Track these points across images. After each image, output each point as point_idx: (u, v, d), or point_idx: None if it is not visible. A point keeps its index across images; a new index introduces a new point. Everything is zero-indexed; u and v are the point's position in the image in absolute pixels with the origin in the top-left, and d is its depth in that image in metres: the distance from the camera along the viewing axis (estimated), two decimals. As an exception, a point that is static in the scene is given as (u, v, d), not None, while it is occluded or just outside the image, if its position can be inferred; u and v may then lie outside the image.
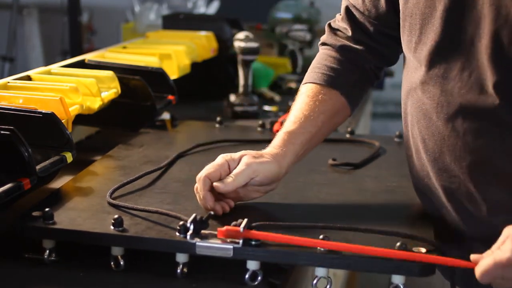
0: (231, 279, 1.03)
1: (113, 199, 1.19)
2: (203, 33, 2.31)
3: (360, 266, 1.02)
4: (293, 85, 2.62)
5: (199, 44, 2.17)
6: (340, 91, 1.27)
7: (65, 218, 1.10)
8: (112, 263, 1.06)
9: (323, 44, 1.34)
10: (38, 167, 1.15)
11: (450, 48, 1.08)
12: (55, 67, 1.64)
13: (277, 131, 1.70)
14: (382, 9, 1.25)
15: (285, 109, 2.21)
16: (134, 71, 1.72)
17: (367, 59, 1.30)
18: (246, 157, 1.16)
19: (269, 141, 1.67)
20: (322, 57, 1.32)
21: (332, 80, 1.27)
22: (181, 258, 1.04)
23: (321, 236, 1.01)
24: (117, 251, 1.06)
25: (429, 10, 1.10)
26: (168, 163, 1.43)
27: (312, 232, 1.04)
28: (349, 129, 1.75)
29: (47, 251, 1.07)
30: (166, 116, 1.82)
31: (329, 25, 1.34)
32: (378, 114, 4.41)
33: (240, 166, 1.15)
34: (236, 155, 1.17)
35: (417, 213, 1.21)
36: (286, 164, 1.20)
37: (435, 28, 1.09)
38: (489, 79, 1.03)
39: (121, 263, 1.05)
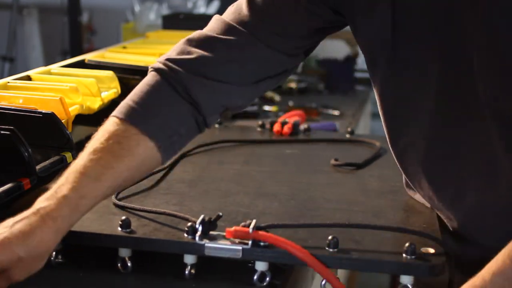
0: (238, 280, 1.03)
1: (119, 200, 1.18)
2: (203, 33, 2.30)
3: (369, 267, 1.02)
4: (293, 85, 2.62)
5: (199, 44, 2.16)
6: (160, 146, 1.04)
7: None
8: (119, 264, 1.05)
9: (157, 69, 1.10)
10: (38, 167, 1.15)
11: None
12: (55, 67, 1.64)
13: (277, 131, 1.72)
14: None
15: (285, 109, 2.21)
16: (134, 71, 1.71)
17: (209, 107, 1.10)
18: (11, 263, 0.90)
19: (269, 141, 1.68)
20: (157, 93, 1.07)
21: (159, 132, 1.04)
22: (189, 259, 1.03)
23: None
24: (124, 252, 1.05)
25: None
26: (171, 163, 1.42)
27: (321, 231, 1.05)
28: (349, 129, 1.75)
29: (54, 253, 1.06)
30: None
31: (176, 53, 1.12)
32: (378, 114, 4.40)
33: (5, 278, 0.91)
34: (3, 261, 0.89)
35: (422, 212, 1.21)
36: (54, 242, 0.93)
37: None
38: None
39: (129, 264, 1.05)
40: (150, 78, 1.10)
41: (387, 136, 1.16)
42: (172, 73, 1.09)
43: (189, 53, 1.12)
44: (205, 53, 1.11)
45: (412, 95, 1.09)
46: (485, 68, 0.99)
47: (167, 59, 1.11)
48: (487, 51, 0.99)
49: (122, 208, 1.15)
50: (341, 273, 1.89)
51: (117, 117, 1.03)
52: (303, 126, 1.74)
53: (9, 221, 0.92)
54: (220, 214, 1.07)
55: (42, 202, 0.94)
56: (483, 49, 0.99)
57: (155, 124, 1.04)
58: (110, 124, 1.03)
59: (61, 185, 0.96)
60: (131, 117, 1.03)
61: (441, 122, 1.07)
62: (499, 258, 0.94)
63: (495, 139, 1.02)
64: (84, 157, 0.99)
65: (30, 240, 0.90)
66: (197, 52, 1.12)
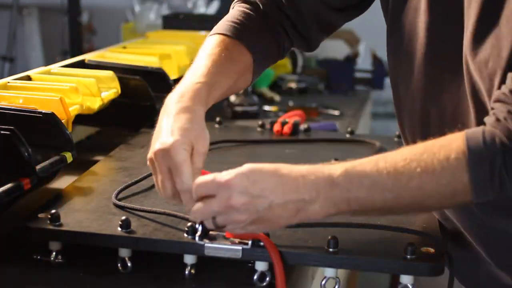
0: (238, 280, 1.03)
1: (118, 200, 1.18)
2: (203, 33, 2.30)
3: (369, 267, 1.02)
4: (293, 85, 2.62)
5: (199, 44, 2.15)
6: (254, 59, 1.18)
7: (72, 219, 1.09)
8: (119, 264, 1.05)
9: (246, 1, 1.23)
10: (38, 167, 1.15)
11: (436, 59, 1.06)
12: (55, 67, 1.64)
13: (278, 131, 1.72)
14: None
15: (285, 109, 2.21)
16: (134, 71, 1.72)
17: (290, 39, 1.24)
18: (197, 138, 1.03)
19: (269, 141, 1.68)
20: (244, 15, 1.20)
21: (254, 46, 1.18)
22: (189, 259, 1.03)
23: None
24: (124, 252, 1.05)
25: (416, 21, 1.08)
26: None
27: (321, 231, 1.05)
28: (349, 129, 1.75)
29: (54, 253, 1.06)
30: (166, 116, 1.82)
31: None
32: (378, 114, 4.40)
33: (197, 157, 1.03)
34: (189, 140, 1.01)
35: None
36: (204, 114, 1.07)
37: (421, 40, 1.07)
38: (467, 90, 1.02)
39: (129, 264, 1.05)
40: (239, 7, 1.23)
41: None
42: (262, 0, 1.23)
43: None
44: None
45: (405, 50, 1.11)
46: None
47: None
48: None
49: (122, 208, 1.15)
50: (341, 273, 1.90)
51: (220, 33, 1.17)
52: (303, 126, 1.74)
53: (157, 130, 1.03)
54: None
55: (176, 91, 1.07)
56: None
57: (252, 41, 1.18)
58: (213, 39, 1.18)
59: (187, 78, 1.09)
60: (233, 33, 1.17)
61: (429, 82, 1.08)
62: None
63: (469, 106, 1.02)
64: (201, 58, 1.14)
65: (188, 115, 1.02)
66: None
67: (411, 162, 0.90)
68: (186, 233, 1.03)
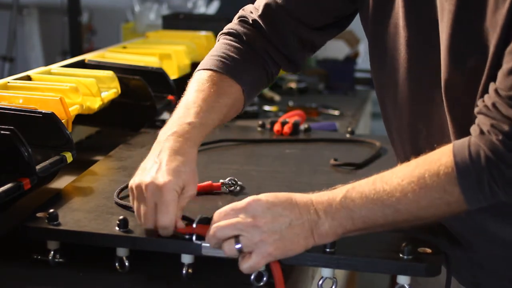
0: (235, 280, 1.03)
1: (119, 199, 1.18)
2: (203, 33, 2.30)
3: (366, 267, 1.02)
4: (293, 85, 2.62)
5: (199, 44, 2.17)
6: (244, 89, 1.21)
7: (70, 219, 1.10)
8: (117, 264, 1.05)
9: (230, 34, 1.26)
10: (38, 167, 1.15)
11: (419, 73, 1.07)
12: (55, 67, 1.64)
13: (278, 131, 1.72)
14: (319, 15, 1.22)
15: (285, 109, 2.21)
16: (134, 71, 1.72)
17: (276, 64, 1.26)
18: (189, 182, 1.06)
19: (269, 141, 1.68)
20: (229, 48, 1.23)
21: (242, 77, 1.21)
22: (186, 259, 1.03)
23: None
24: (122, 252, 1.05)
25: (397, 37, 1.09)
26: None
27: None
28: (349, 129, 1.75)
29: (52, 252, 1.06)
30: (166, 116, 1.82)
31: (241, 16, 1.27)
32: (378, 114, 4.40)
33: (183, 198, 1.06)
34: (179, 182, 1.04)
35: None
36: (195, 156, 1.10)
37: (403, 55, 1.08)
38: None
39: (126, 264, 1.05)
40: (224, 39, 1.26)
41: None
42: (245, 30, 1.25)
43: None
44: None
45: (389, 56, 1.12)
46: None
47: (240, 20, 1.27)
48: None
49: (123, 207, 1.15)
50: (340, 274, 1.90)
51: (209, 69, 1.20)
52: (303, 126, 1.74)
53: (152, 158, 1.07)
54: None
55: (166, 132, 1.10)
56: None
57: (240, 73, 1.21)
58: (202, 74, 1.20)
59: (179, 117, 1.12)
60: (220, 68, 1.20)
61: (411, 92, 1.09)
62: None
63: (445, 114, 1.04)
64: (191, 95, 1.16)
65: (182, 158, 1.06)
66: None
67: (405, 179, 0.96)
68: (118, 226, 1.04)
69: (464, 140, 0.94)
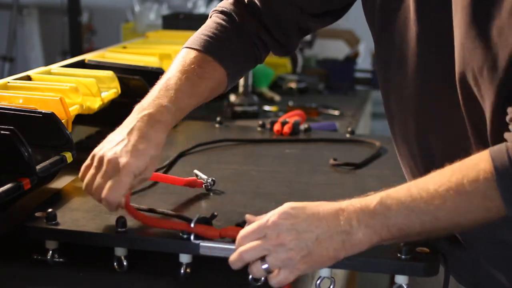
0: (233, 279, 1.03)
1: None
2: (203, 33, 2.30)
3: (364, 267, 1.02)
4: (293, 85, 2.62)
5: (199, 44, 2.16)
6: (228, 73, 1.20)
7: (68, 219, 1.10)
8: (115, 263, 1.05)
9: (222, 12, 1.24)
10: (38, 167, 1.15)
11: (428, 69, 1.06)
12: (55, 67, 1.64)
13: (278, 131, 1.72)
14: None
15: (285, 109, 2.21)
16: (134, 71, 1.72)
17: (266, 48, 1.26)
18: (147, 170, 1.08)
19: (269, 141, 1.68)
20: (218, 27, 1.22)
21: (228, 60, 1.20)
22: (185, 258, 1.04)
23: None
24: (120, 251, 1.05)
25: (406, 31, 1.08)
26: (170, 163, 1.42)
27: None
28: (349, 129, 1.75)
29: (50, 252, 1.06)
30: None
31: None
32: (378, 114, 4.40)
33: (140, 179, 1.08)
34: (141, 166, 1.06)
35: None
36: (164, 140, 1.11)
37: (412, 50, 1.07)
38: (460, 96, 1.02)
39: (124, 263, 1.05)
40: (215, 17, 1.25)
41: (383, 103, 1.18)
42: (238, 11, 1.24)
43: None
44: None
45: (396, 56, 1.11)
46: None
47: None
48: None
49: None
50: (340, 273, 1.90)
51: (194, 48, 1.19)
52: (303, 126, 1.74)
53: (121, 133, 1.10)
54: (215, 213, 1.07)
55: (142, 111, 1.11)
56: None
57: (226, 56, 1.20)
58: (188, 53, 1.19)
59: (157, 97, 1.12)
60: (207, 48, 1.19)
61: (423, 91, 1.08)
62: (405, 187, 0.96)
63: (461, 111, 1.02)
64: (173, 75, 1.15)
65: (151, 141, 1.07)
66: None
67: (442, 185, 0.94)
68: (182, 232, 1.04)
69: (501, 145, 0.93)
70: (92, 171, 1.08)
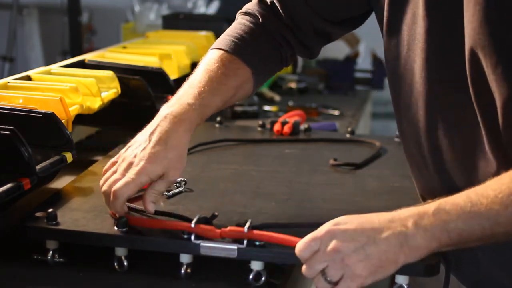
0: (234, 279, 1.03)
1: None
2: (203, 33, 2.31)
3: None
4: (293, 85, 2.62)
5: (199, 44, 2.17)
6: (253, 72, 1.21)
7: (69, 218, 1.10)
8: (115, 263, 1.05)
9: (247, 13, 1.27)
10: (38, 167, 1.15)
11: (438, 64, 1.06)
12: (55, 67, 1.64)
13: (278, 131, 1.72)
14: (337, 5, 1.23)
15: (285, 109, 2.21)
16: (134, 71, 1.72)
17: (291, 48, 1.26)
18: (169, 168, 1.09)
19: (269, 142, 1.68)
20: (244, 28, 1.24)
21: (253, 59, 1.21)
22: (185, 258, 1.04)
23: None
24: (120, 251, 1.05)
25: (415, 27, 1.08)
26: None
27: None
28: (349, 129, 1.75)
29: (51, 252, 1.06)
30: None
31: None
32: (378, 114, 4.40)
33: (164, 182, 1.09)
34: (158, 170, 1.08)
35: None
36: (187, 140, 1.12)
37: (421, 45, 1.07)
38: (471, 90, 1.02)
39: (125, 263, 1.05)
40: (240, 19, 1.27)
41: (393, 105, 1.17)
42: (262, 11, 1.26)
43: None
44: None
45: (406, 55, 1.11)
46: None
47: (259, 0, 1.27)
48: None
49: (129, 208, 1.15)
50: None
51: (219, 49, 1.21)
52: (303, 126, 1.74)
53: (144, 135, 1.12)
54: (216, 213, 1.07)
55: (168, 109, 1.12)
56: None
57: (251, 54, 1.22)
58: (213, 53, 1.22)
59: (182, 96, 1.14)
60: (231, 48, 1.21)
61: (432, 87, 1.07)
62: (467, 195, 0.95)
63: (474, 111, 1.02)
64: (197, 75, 1.18)
65: (170, 144, 1.09)
66: None
67: (502, 192, 0.93)
68: (182, 233, 1.03)
69: None
70: (113, 169, 1.11)
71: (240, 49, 1.21)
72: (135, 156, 1.09)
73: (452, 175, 1.08)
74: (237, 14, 1.29)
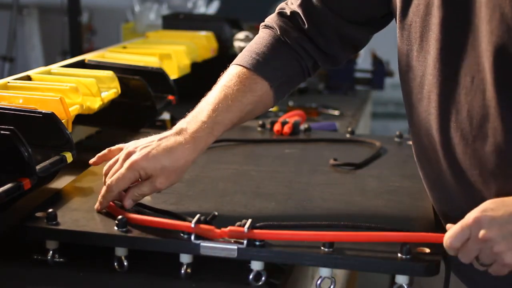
0: (234, 279, 1.03)
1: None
2: (203, 33, 2.31)
3: (365, 267, 1.02)
4: (293, 85, 2.61)
5: (199, 44, 2.17)
6: (271, 85, 1.23)
7: (69, 219, 1.10)
8: (115, 263, 1.05)
9: (267, 26, 1.28)
10: (38, 167, 1.15)
11: (451, 55, 1.06)
12: (55, 67, 1.64)
13: (278, 131, 1.72)
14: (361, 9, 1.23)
15: (285, 109, 2.21)
16: (134, 71, 1.72)
17: (311, 58, 1.27)
18: (158, 171, 1.12)
19: (269, 142, 1.68)
20: (266, 43, 1.26)
21: (269, 72, 1.23)
22: (185, 258, 1.04)
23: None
24: (120, 251, 1.05)
25: (429, 17, 1.08)
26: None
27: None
28: (349, 129, 1.75)
29: (51, 252, 1.06)
30: (166, 116, 1.82)
31: (280, 8, 1.29)
32: (378, 114, 4.41)
33: (150, 185, 1.13)
34: (147, 161, 1.11)
35: (419, 213, 1.21)
36: (194, 160, 1.16)
37: (435, 36, 1.07)
38: (490, 82, 1.02)
39: (125, 263, 1.05)
40: (261, 32, 1.29)
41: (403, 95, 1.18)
42: (281, 23, 1.27)
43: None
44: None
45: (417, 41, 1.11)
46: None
47: (278, 13, 1.29)
48: None
49: (121, 207, 1.15)
50: (340, 273, 1.90)
51: (239, 65, 1.23)
52: (303, 126, 1.74)
53: (155, 137, 1.15)
54: (215, 213, 1.07)
55: (184, 124, 1.16)
56: None
57: (269, 69, 1.23)
58: (231, 69, 1.24)
59: (198, 113, 1.18)
60: (248, 62, 1.23)
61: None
62: None
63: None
64: (214, 91, 1.21)
65: (173, 154, 1.12)
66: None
67: None
68: (182, 233, 1.04)
69: None
70: (116, 157, 1.16)
71: (257, 63, 1.22)
72: (134, 149, 1.13)
73: (464, 168, 1.07)
74: (260, 26, 1.31)
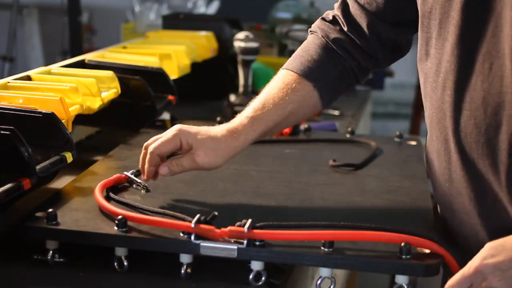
0: (234, 279, 1.03)
1: (114, 200, 1.18)
2: (203, 33, 2.30)
3: (365, 267, 1.02)
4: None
5: (199, 44, 2.17)
6: (314, 85, 1.27)
7: (69, 219, 1.10)
8: (115, 263, 1.05)
9: (311, 31, 1.34)
10: (38, 167, 1.15)
11: (471, 41, 1.06)
12: (55, 67, 1.64)
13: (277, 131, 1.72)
14: (394, 7, 1.24)
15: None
16: (134, 71, 1.72)
17: (354, 58, 1.30)
18: (199, 142, 1.19)
19: (269, 141, 1.68)
20: (308, 46, 1.31)
21: (310, 72, 1.27)
22: (185, 258, 1.04)
23: None
24: (120, 251, 1.05)
25: (448, 4, 1.08)
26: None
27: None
28: (349, 129, 1.75)
29: (51, 252, 1.06)
30: (166, 116, 1.82)
31: (325, 13, 1.33)
32: (378, 114, 4.41)
33: (189, 157, 1.19)
34: (191, 131, 1.20)
35: (419, 213, 1.21)
36: (235, 150, 1.22)
37: (455, 22, 1.07)
38: (509, 68, 1.01)
39: (125, 263, 1.05)
40: (308, 37, 1.34)
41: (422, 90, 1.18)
42: (323, 26, 1.32)
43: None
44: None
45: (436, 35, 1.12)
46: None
47: (322, 18, 1.34)
48: None
49: (123, 203, 1.15)
50: (340, 273, 1.90)
51: (284, 68, 1.30)
52: (303, 126, 1.74)
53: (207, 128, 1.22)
54: (215, 213, 1.07)
55: (232, 121, 1.24)
56: None
57: (310, 69, 1.28)
58: (280, 72, 1.30)
59: (245, 110, 1.25)
60: (291, 65, 1.29)
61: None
62: None
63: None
64: (260, 93, 1.27)
65: (216, 135, 1.20)
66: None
67: None
68: (182, 233, 1.04)
69: None
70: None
71: (298, 65, 1.28)
72: (180, 125, 1.21)
73: (475, 158, 1.06)
74: (309, 30, 1.35)
